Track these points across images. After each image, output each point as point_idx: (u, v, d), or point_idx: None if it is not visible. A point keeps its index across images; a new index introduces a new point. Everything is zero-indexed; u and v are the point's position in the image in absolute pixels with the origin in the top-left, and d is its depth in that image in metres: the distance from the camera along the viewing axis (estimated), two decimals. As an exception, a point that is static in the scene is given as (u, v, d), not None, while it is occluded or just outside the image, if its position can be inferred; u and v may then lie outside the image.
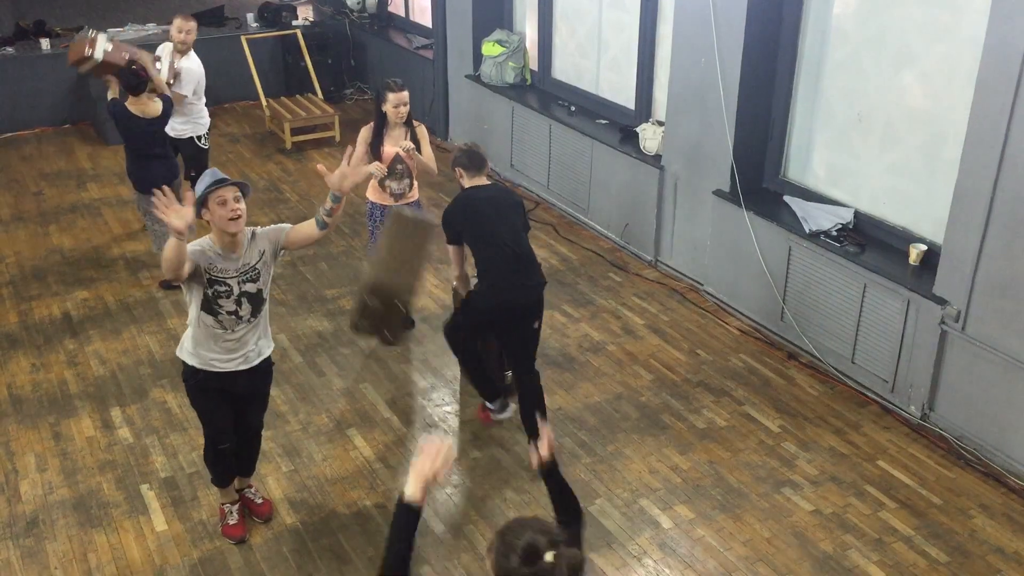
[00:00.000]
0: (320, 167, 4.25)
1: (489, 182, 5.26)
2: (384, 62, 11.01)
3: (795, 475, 5.10)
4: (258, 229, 4.28)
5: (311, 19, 11.56)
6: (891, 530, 4.73)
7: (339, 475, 5.10)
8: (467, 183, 5.21)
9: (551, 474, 3.02)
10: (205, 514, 4.81)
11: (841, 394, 5.79)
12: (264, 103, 10.24)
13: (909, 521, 4.78)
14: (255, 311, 4.27)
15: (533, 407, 5.16)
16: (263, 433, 5.38)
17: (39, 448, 5.30)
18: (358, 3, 11.51)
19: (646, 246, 7.37)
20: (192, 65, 7.22)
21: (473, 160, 5.21)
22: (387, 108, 5.94)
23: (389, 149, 6.00)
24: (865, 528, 4.74)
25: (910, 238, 5.66)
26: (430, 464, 2.72)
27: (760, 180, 6.54)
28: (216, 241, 4.12)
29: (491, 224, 5.01)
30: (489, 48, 8.78)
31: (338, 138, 9.95)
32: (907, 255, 5.56)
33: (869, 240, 5.81)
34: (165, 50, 7.25)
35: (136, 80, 6.60)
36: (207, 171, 4.17)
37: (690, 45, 6.52)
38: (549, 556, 2.44)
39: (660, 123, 7.17)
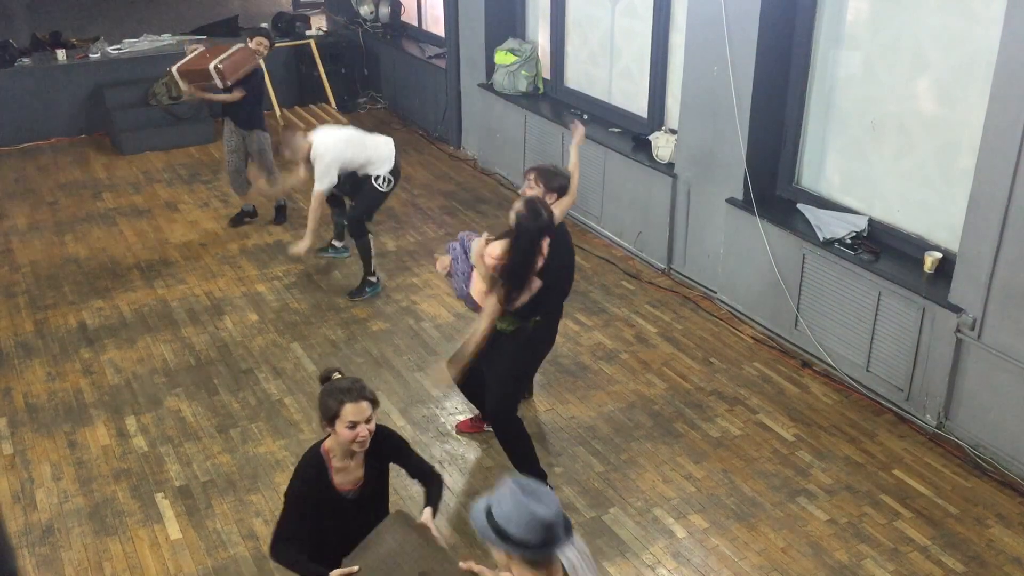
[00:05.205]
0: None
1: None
2: (397, 71, 11.05)
3: (810, 484, 5.08)
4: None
5: (324, 29, 11.63)
6: (907, 540, 4.70)
7: (352, 484, 5.09)
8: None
9: None
10: (219, 523, 4.82)
11: (856, 403, 5.76)
12: (278, 112, 10.29)
13: (925, 531, 4.75)
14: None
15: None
16: (278, 442, 5.41)
17: (55, 457, 5.33)
18: (371, 13, 11.56)
19: (659, 254, 7.36)
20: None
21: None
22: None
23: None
24: (881, 538, 4.71)
25: (925, 246, 5.64)
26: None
27: (773, 188, 6.53)
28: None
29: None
30: (502, 57, 8.80)
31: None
32: (922, 263, 5.53)
33: (883, 248, 5.79)
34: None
35: None
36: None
37: (703, 53, 6.52)
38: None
39: (673, 131, 7.16)
